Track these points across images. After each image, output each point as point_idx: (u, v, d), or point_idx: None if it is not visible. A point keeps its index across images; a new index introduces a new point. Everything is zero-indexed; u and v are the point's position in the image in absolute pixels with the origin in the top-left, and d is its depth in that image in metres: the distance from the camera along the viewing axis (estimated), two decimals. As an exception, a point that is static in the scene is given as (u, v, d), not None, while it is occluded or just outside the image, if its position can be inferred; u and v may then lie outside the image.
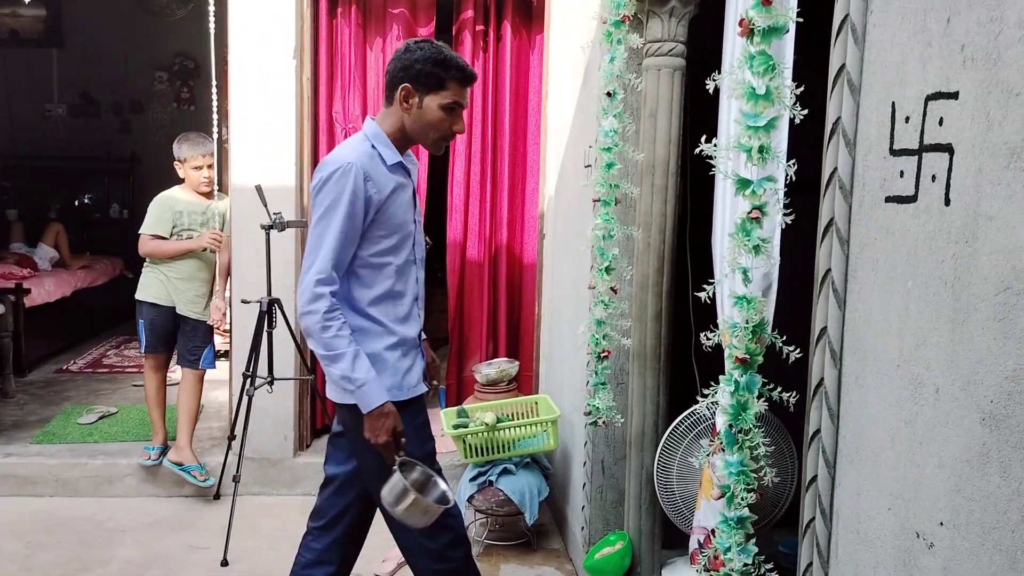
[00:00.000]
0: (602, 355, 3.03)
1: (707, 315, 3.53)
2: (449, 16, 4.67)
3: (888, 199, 1.32)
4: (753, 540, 1.81)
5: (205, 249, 4.09)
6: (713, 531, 2.89)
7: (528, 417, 3.84)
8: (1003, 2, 1.07)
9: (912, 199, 1.26)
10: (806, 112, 1.71)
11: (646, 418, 3.08)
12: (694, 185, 3.29)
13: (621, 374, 3.21)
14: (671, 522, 3.15)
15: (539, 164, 4.57)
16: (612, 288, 3.02)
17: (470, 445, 3.54)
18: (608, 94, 2.94)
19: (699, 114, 3.03)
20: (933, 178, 1.21)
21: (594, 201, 2.95)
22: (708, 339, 1.89)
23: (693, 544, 2.93)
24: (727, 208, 2.55)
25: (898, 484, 1.29)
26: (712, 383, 1.92)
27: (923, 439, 1.22)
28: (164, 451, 4.24)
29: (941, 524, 1.17)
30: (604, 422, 3.04)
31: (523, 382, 4.60)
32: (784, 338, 1.80)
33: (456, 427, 3.58)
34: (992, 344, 1.08)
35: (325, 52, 4.50)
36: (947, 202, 1.17)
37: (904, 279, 1.28)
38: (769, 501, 2.94)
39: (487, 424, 3.49)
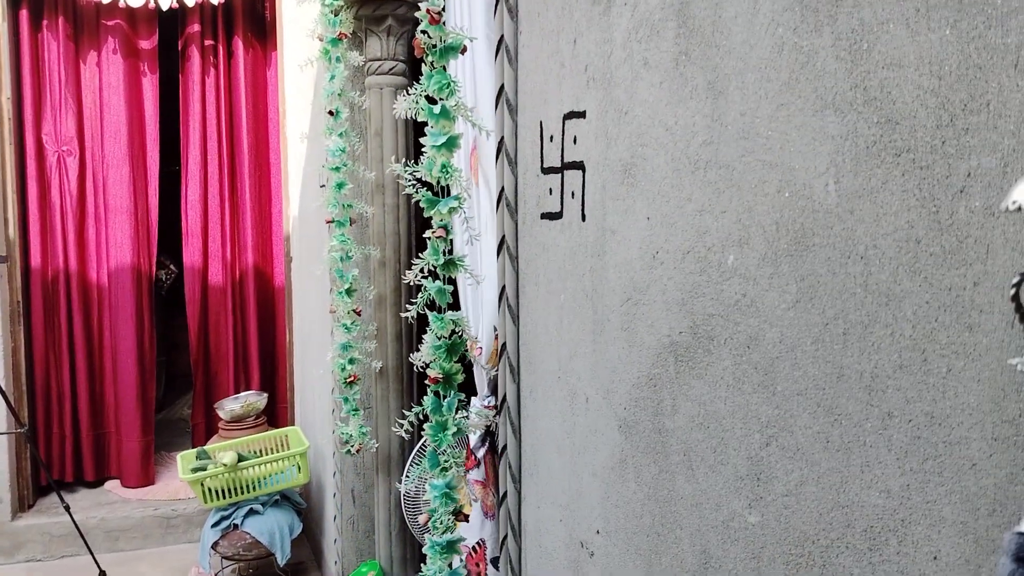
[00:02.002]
0: (349, 380, 2.93)
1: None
2: (173, 29, 4.39)
3: (543, 216, 1.35)
4: (463, 563, 1.79)
5: None
6: (475, 547, 2.90)
7: (279, 451, 3.65)
8: (612, 24, 1.11)
9: (559, 215, 1.29)
10: (489, 131, 1.73)
11: (392, 442, 3.02)
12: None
13: (368, 398, 3.13)
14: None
15: (281, 187, 4.40)
16: (355, 310, 2.94)
17: (209, 489, 3.29)
18: (331, 112, 2.86)
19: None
20: (572, 195, 1.24)
21: (328, 222, 2.86)
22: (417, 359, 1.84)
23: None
24: (485, 222, 2.55)
25: (565, 495, 1.31)
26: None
27: (580, 449, 1.25)
28: None
29: (598, 532, 1.20)
30: (359, 449, 2.94)
31: (280, 415, 4.40)
32: (482, 357, 1.79)
33: (195, 470, 3.32)
34: (622, 353, 1.11)
35: (30, 68, 4.06)
36: (583, 218, 1.21)
37: (558, 293, 1.30)
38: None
39: (225, 465, 3.26)
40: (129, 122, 4.22)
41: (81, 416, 4.23)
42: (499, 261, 1.50)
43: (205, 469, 3.33)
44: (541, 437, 1.39)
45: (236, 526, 3.35)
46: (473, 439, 2.91)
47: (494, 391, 2.90)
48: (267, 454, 3.63)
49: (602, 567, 1.19)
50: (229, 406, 3.92)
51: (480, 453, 2.91)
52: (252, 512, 3.38)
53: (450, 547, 1.79)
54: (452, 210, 1.69)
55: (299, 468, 3.44)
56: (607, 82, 1.13)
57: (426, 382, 1.76)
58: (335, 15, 2.80)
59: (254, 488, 3.38)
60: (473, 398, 2.95)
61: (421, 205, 1.74)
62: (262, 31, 4.45)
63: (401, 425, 1.83)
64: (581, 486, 1.25)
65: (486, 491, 2.92)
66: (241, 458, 3.37)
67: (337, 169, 2.86)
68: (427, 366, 1.82)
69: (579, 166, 1.21)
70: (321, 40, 2.86)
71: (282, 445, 3.70)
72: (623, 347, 1.10)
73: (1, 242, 3.82)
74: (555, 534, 1.34)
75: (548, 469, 1.36)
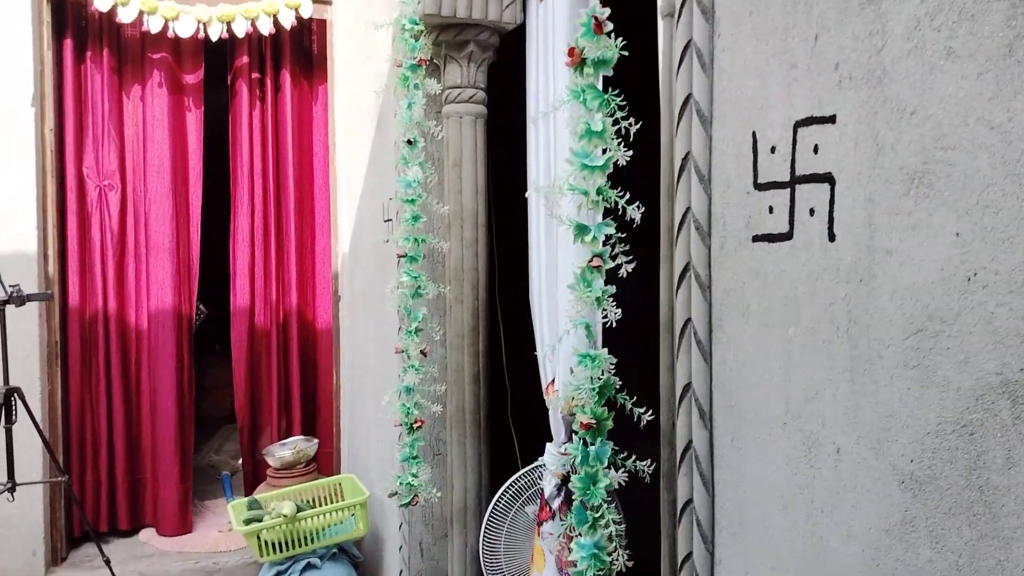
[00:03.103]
0: (415, 425, 2.74)
1: (522, 375, 3.37)
2: (216, 63, 4.28)
3: (756, 238, 1.19)
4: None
5: None
6: (548, 608, 2.69)
7: (332, 501, 3.44)
8: (884, 14, 0.96)
9: (787, 236, 1.13)
10: (631, 153, 1.58)
11: (468, 491, 2.83)
12: (498, 238, 3.13)
13: (437, 444, 2.94)
14: (499, 602, 2.90)
15: (329, 221, 4.25)
16: (422, 351, 2.76)
17: (266, 541, 3.08)
18: (409, 142, 2.72)
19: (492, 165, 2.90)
20: (811, 212, 1.08)
21: (399, 257, 2.70)
22: (558, 402, 1.67)
23: (527, 625, 2.69)
24: (558, 258, 2.40)
25: (796, 559, 1.13)
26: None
27: (824, 506, 1.07)
28: None
29: (858, 606, 1.02)
30: (420, 500, 2.74)
31: (323, 461, 4.18)
32: (635, 398, 1.62)
33: (248, 521, 3.11)
34: (906, 395, 0.94)
35: (72, 100, 3.93)
36: (831, 237, 1.05)
37: (784, 325, 1.14)
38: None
39: (285, 516, 3.06)
40: (173, 157, 4.09)
41: (117, 462, 4.02)
42: (680, 292, 1.34)
43: (259, 520, 3.13)
44: (751, 492, 1.21)
45: (293, 582, 3.13)
46: (548, 488, 2.72)
47: (570, 436, 2.72)
48: (320, 503, 3.43)
49: (866, 649, 1.01)
50: (278, 453, 3.72)
51: (556, 504, 2.72)
52: (310, 566, 3.16)
53: (597, 613, 1.60)
54: (609, 237, 1.54)
55: (358, 519, 3.24)
56: (875, 80, 0.98)
57: (575, 428, 1.59)
58: (415, 39, 2.68)
59: (312, 540, 3.17)
60: (548, 444, 2.77)
61: (570, 232, 1.59)
62: (308, 64, 4.34)
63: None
64: (826, 551, 1.07)
65: (564, 544, 2.72)
66: (298, 508, 3.16)
67: (412, 201, 2.70)
68: (571, 412, 1.65)
69: (825, 178, 1.05)
70: (400, 66, 2.73)
71: (335, 494, 3.50)
72: (908, 388, 0.94)
73: (42, 278, 3.66)
74: (778, 605, 1.16)
75: (766, 529, 1.18)
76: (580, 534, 1.60)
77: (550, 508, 2.71)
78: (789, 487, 1.13)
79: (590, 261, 1.51)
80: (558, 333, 2.42)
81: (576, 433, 1.59)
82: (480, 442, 2.83)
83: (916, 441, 0.93)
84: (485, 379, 2.83)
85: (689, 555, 1.34)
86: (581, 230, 1.55)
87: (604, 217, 1.59)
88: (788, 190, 1.12)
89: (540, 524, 2.68)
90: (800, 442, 1.11)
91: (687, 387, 1.33)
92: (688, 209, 1.32)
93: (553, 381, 2.63)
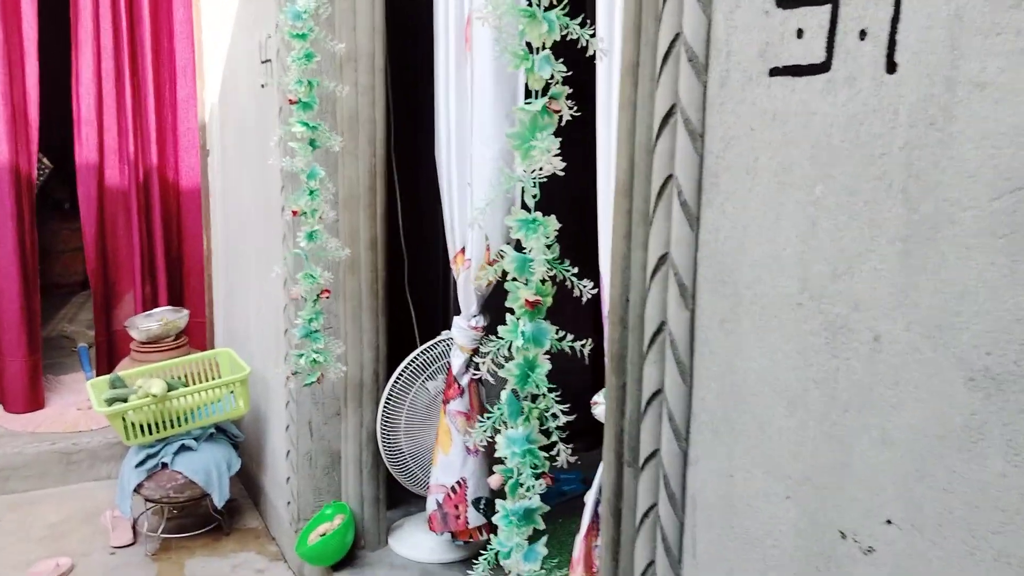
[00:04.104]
0: (322, 295, 2.43)
1: (418, 242, 3.09)
2: None
3: (775, 71, 0.94)
4: (544, 539, 1.41)
5: None
6: (455, 487, 2.53)
7: (208, 378, 3.13)
8: None
9: (822, 68, 0.88)
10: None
11: (364, 367, 2.58)
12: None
13: (329, 317, 2.65)
14: (395, 483, 2.72)
15: (194, 62, 3.69)
16: (320, 216, 2.42)
17: (132, 423, 2.76)
18: (294, -38, 2.27)
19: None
20: (862, 34, 0.83)
21: (291, 103, 2.30)
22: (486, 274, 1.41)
23: (431, 506, 2.53)
24: (473, 110, 2.09)
25: (802, 464, 0.95)
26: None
27: (849, 405, 0.88)
28: None
29: (889, 522, 0.85)
30: (332, 376, 2.47)
31: (194, 333, 3.80)
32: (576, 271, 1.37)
33: (111, 401, 2.77)
34: (988, 271, 0.74)
35: None
36: (891, 68, 0.81)
37: (808, 184, 0.91)
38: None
39: (154, 395, 2.73)
40: (-4, -25, 3.39)
41: (-51, 335, 3.52)
42: (660, 142, 1.08)
43: (124, 399, 2.78)
44: (745, 384, 1.01)
45: (165, 465, 2.83)
46: (456, 364, 2.51)
47: (483, 310, 2.50)
48: (194, 380, 3.11)
49: (893, 569, 0.85)
50: (144, 324, 3.32)
51: (464, 380, 2.53)
52: (184, 448, 2.87)
53: (527, 516, 1.41)
54: (559, 73, 1.25)
55: (238, 397, 2.95)
56: None
57: (516, 306, 1.34)
58: None
59: (186, 421, 2.86)
60: (456, 317, 2.54)
61: (509, 66, 1.29)
62: None
63: (483, 357, 1.38)
64: (848, 456, 0.89)
65: (470, 423, 2.55)
66: (169, 387, 2.83)
67: (303, 36, 2.29)
68: (486, 282, 1.40)
69: (889, -12, 0.80)
70: None
71: (211, 370, 3.17)
72: (993, 262, 0.73)
73: None
74: (772, 515, 0.99)
75: (763, 428, 0.99)
76: (510, 427, 1.39)
77: (459, 385, 2.52)
78: (800, 380, 0.94)
79: (548, 104, 1.22)
80: (481, 196, 2.14)
81: (513, 312, 1.34)
82: (377, 314, 2.56)
83: (998, 329, 0.73)
84: (383, 245, 2.53)
85: (655, 452, 1.15)
86: (524, 62, 1.24)
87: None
88: (828, 6, 0.86)
89: (447, 402, 2.48)
90: (820, 327, 0.90)
91: (663, 258, 1.10)
92: (678, 35, 1.04)
93: (464, 250, 2.37)
